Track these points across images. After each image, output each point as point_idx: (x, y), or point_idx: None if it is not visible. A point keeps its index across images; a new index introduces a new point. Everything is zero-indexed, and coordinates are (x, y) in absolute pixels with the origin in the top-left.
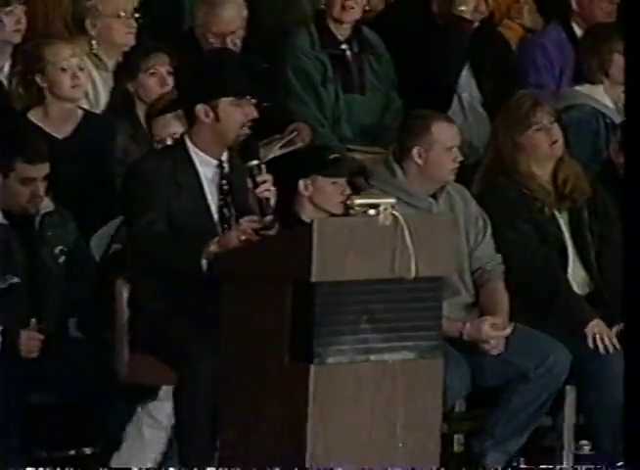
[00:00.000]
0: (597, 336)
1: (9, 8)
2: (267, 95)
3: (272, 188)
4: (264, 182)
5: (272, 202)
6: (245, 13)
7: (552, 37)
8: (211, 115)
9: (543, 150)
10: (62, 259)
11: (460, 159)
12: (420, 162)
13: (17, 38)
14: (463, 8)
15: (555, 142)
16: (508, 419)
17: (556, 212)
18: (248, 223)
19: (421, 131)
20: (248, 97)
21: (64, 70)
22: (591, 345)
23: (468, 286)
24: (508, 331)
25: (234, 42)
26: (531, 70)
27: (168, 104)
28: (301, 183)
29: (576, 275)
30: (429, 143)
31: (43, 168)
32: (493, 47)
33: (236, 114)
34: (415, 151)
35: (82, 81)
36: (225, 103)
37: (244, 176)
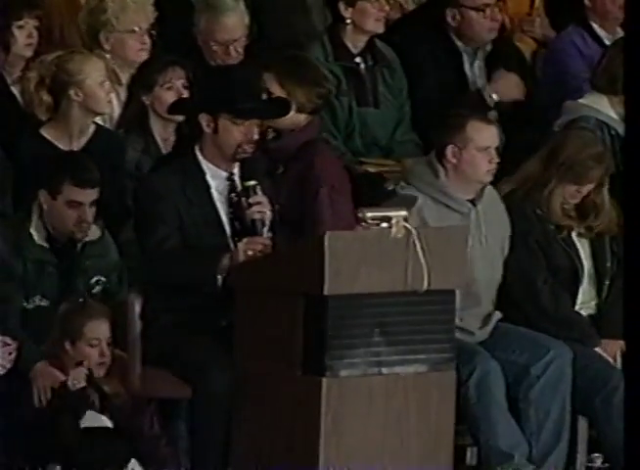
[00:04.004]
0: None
1: (20, 22)
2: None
3: (266, 210)
4: (258, 203)
5: (266, 222)
6: (247, 21)
7: (578, 42)
8: (212, 125)
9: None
10: (97, 289)
11: (497, 160)
12: (454, 161)
13: (28, 52)
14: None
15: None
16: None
17: (575, 237)
18: (254, 239)
19: (455, 129)
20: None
21: (102, 84)
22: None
23: (492, 296)
24: None
25: (237, 50)
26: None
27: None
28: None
29: (585, 299)
30: (463, 142)
31: (91, 194)
32: (508, 60)
33: (234, 131)
34: (449, 149)
35: (113, 95)
36: (225, 118)
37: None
